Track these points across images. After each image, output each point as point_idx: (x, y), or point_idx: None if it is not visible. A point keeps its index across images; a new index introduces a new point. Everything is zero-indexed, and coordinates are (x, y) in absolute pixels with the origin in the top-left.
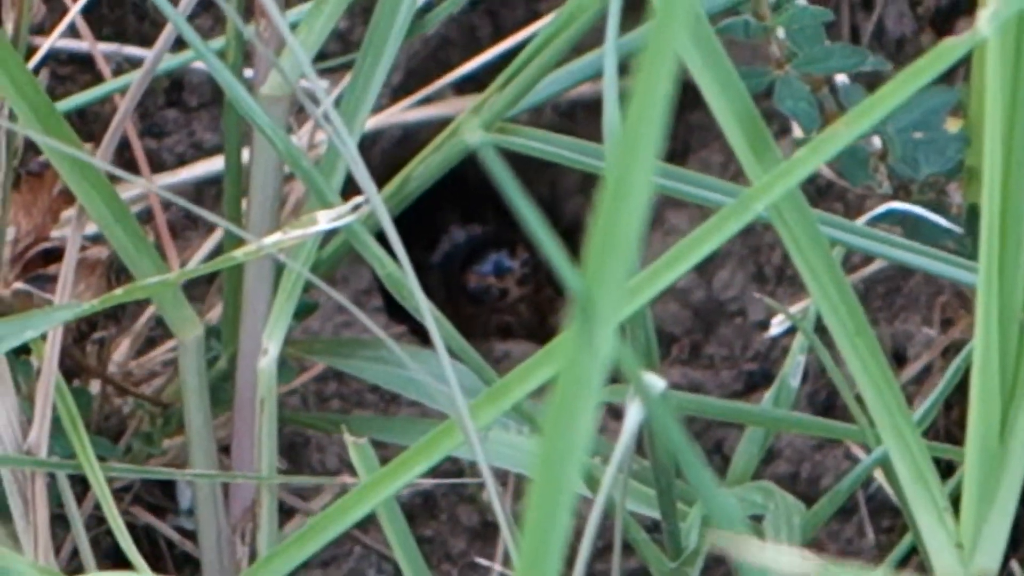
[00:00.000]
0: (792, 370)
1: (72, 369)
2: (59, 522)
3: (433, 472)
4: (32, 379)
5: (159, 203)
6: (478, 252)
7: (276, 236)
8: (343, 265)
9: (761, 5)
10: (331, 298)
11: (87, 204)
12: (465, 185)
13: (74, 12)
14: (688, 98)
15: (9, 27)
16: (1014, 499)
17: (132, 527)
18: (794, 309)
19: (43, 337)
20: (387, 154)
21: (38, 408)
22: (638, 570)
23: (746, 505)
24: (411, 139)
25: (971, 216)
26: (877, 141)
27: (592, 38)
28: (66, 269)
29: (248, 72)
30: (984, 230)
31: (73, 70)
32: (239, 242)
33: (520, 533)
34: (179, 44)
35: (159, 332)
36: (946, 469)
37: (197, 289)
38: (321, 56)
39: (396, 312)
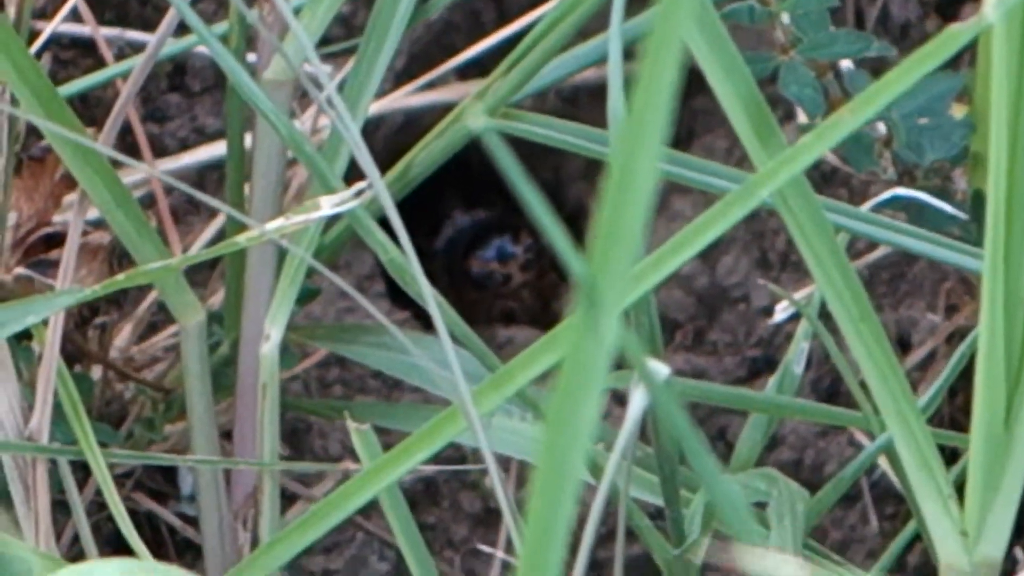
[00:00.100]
0: (796, 356)
1: (73, 354)
2: (60, 508)
3: (436, 458)
4: (33, 365)
5: (161, 188)
6: (481, 238)
7: (279, 221)
8: (346, 251)
9: None
10: (334, 284)
11: (89, 189)
12: (468, 170)
13: None
14: (693, 83)
15: (11, 11)
16: (1019, 486)
17: (133, 513)
18: (798, 295)
19: (44, 322)
20: (390, 139)
21: (39, 394)
22: (641, 557)
23: (750, 492)
24: (414, 124)
25: (976, 202)
26: (882, 127)
27: (596, 23)
28: (68, 254)
29: (251, 57)
30: (989, 216)
31: (75, 54)
32: (241, 227)
33: (523, 520)
34: (182, 28)
35: (161, 317)
36: (950, 456)
37: (199, 274)
38: (324, 41)
39: (399, 298)
